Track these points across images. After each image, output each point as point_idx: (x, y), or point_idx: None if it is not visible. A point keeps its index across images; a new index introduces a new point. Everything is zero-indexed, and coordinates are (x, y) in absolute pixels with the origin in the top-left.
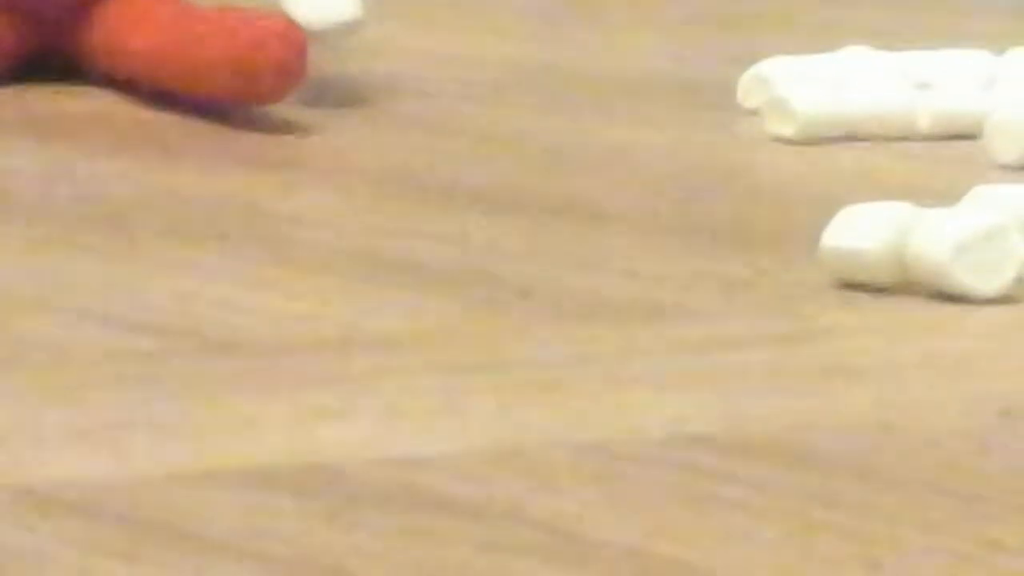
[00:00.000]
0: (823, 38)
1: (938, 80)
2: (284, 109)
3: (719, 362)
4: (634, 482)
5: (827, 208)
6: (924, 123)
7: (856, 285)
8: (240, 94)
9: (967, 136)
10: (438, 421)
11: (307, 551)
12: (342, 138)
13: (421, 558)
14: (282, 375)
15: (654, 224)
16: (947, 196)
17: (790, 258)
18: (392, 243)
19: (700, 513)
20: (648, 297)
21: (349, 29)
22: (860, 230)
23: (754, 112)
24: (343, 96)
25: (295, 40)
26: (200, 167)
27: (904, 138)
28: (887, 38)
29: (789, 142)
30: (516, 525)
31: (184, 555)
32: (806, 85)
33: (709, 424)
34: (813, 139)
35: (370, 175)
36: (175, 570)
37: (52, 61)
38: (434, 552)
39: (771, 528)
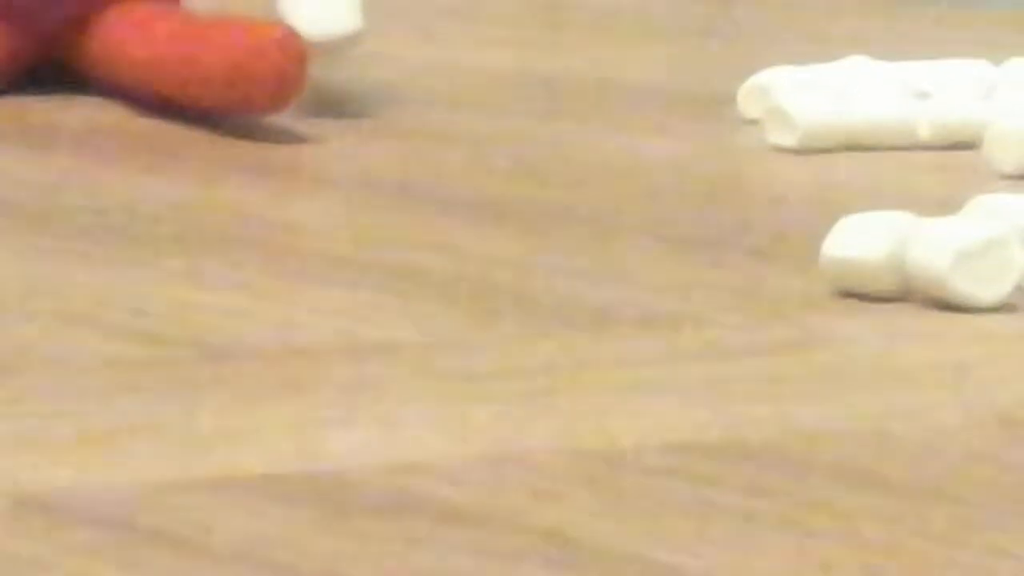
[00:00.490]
0: (823, 48)
1: (938, 90)
2: (283, 119)
3: (719, 370)
4: (634, 489)
5: (827, 217)
6: (924, 133)
7: (856, 294)
8: (239, 104)
9: (967, 145)
10: (438, 428)
11: (308, 558)
12: (341, 147)
13: (421, 565)
14: (282, 383)
15: (654, 233)
16: (947, 205)
17: (790, 267)
18: (391, 251)
19: (700, 520)
20: (647, 305)
21: (349, 39)
22: (860, 239)
23: (754, 122)
24: (342, 106)
25: (295, 50)
26: (199, 176)
27: (904, 147)
28: (887, 48)
29: (789, 151)
30: (516, 532)
31: (184, 562)
32: (806, 95)
33: (709, 431)
34: (813, 148)
35: (370, 184)
36: None
37: (51, 71)
38: (434, 559)
39: (771, 536)
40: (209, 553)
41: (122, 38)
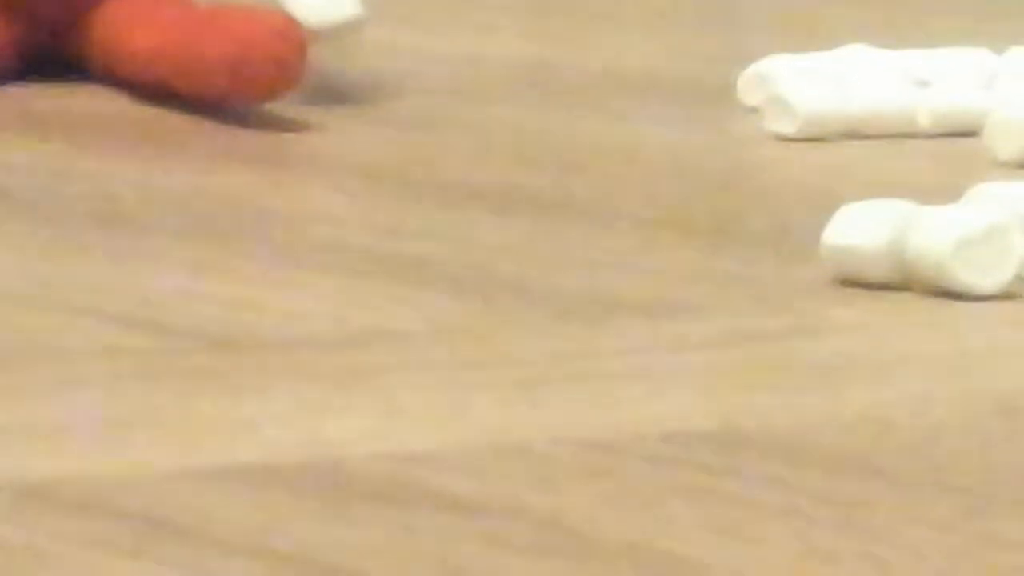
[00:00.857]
0: (823, 36)
1: (938, 78)
2: (284, 107)
3: (719, 359)
4: (634, 478)
5: (827, 206)
6: (924, 121)
7: (856, 282)
8: (240, 92)
9: (968, 134)
10: (439, 417)
11: (308, 547)
12: (342, 136)
13: (421, 554)
14: (283, 372)
15: (654, 221)
16: (947, 194)
17: (790, 255)
18: (392, 241)
19: (700, 509)
20: (648, 294)
21: (349, 27)
22: (860, 228)
23: (754, 110)
24: (343, 94)
25: (295, 38)
26: (200, 165)
27: (905, 136)
28: (887, 36)
29: (789, 140)
30: (516, 521)
31: (186, 551)
32: (806, 83)
33: (709, 420)
34: (814, 137)
35: (370, 173)
36: (176, 566)
37: (53, 60)
38: (434, 548)
39: (771, 524)
40: (211, 542)
41: (123, 27)
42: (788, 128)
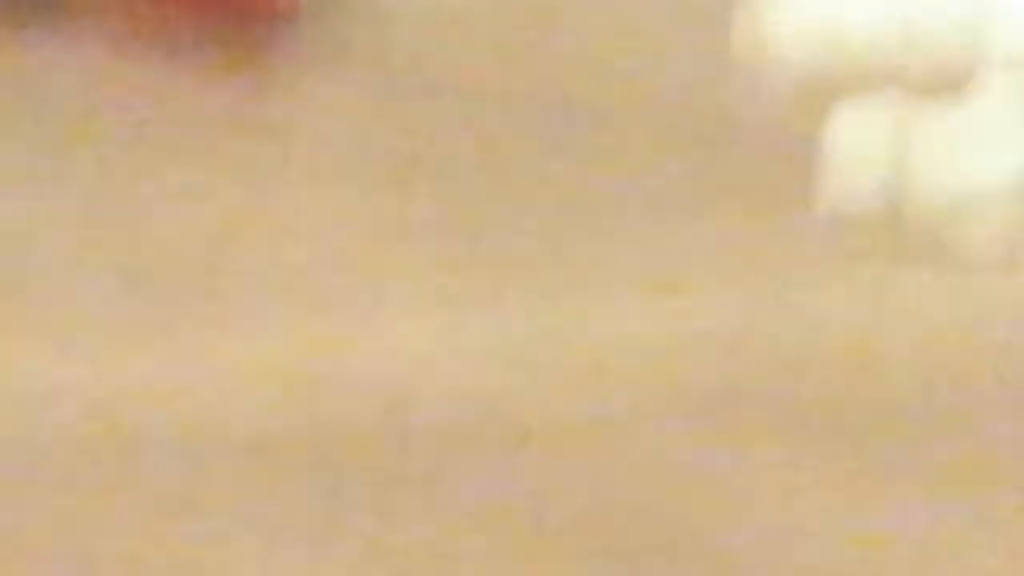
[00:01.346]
0: None
1: (930, 22)
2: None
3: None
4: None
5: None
6: (917, 63)
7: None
8: (254, 6)
9: (960, 75)
10: (434, 317)
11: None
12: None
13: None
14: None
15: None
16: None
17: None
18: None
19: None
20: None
21: None
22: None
23: (750, 46)
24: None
25: None
26: (207, 71)
27: (897, 77)
28: None
29: (787, 90)
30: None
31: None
32: (804, 22)
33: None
34: (810, 79)
35: (381, 68)
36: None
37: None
38: None
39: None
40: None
41: None
42: (786, 72)
